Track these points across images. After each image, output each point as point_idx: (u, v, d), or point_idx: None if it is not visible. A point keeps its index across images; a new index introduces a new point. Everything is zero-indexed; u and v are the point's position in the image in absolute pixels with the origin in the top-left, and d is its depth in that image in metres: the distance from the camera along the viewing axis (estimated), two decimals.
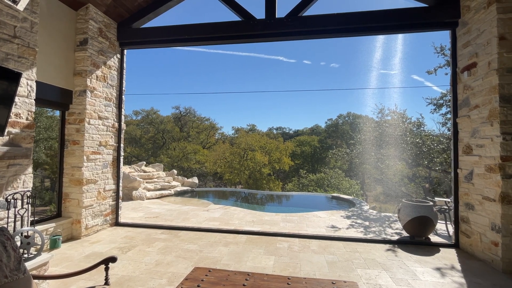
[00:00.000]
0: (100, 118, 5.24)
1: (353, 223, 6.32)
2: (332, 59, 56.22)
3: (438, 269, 3.73)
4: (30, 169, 3.32)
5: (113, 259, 2.36)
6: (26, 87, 3.27)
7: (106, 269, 2.36)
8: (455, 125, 4.77)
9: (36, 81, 3.44)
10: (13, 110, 3.11)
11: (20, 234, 2.96)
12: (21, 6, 3.10)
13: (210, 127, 32.68)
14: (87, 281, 3.18)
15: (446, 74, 8.76)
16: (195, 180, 12.87)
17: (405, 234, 5.28)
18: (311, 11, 5.17)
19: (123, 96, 5.87)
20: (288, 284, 2.07)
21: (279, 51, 57.61)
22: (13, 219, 3.04)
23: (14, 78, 2.90)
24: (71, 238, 4.76)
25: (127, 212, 7.11)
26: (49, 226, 4.34)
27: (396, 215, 5.91)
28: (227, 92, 54.04)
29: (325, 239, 4.92)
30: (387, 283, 3.30)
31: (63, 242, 4.53)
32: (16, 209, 3.07)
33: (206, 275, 2.18)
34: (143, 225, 5.62)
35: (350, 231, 5.59)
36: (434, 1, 4.73)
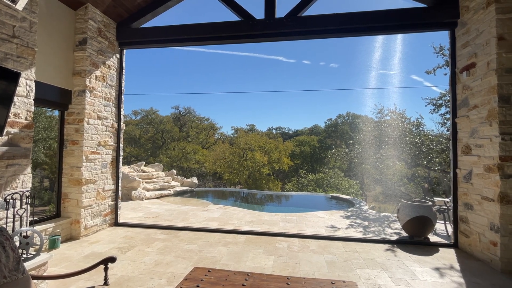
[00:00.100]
0: (99, 118, 5.24)
1: (353, 223, 6.33)
2: (331, 59, 56.33)
3: (437, 269, 3.74)
4: (29, 169, 3.32)
5: (112, 259, 2.36)
6: (25, 87, 3.27)
7: (105, 269, 2.36)
8: (454, 125, 4.78)
9: (35, 81, 3.43)
10: (12, 110, 3.10)
11: (19, 234, 2.95)
12: (20, 5, 3.09)
13: (210, 127, 32.67)
14: (86, 281, 3.17)
15: (445, 74, 8.77)
16: (195, 180, 12.87)
17: (404, 234, 5.29)
18: (310, 11, 5.18)
19: (122, 96, 5.86)
20: (287, 284, 2.07)
21: (278, 51, 57.68)
22: (12, 219, 3.03)
23: (13, 78, 2.90)
24: (70, 238, 4.75)
25: (127, 212, 7.10)
26: (48, 226, 4.33)
27: (395, 215, 5.92)
28: (227, 92, 54.07)
29: (325, 239, 4.92)
30: (386, 283, 3.30)
31: (62, 242, 4.52)
32: (15, 209, 3.06)
33: (205, 275, 2.18)
34: (143, 225, 5.61)
35: (349, 231, 5.60)
36: (433, 1, 4.74)
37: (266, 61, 56.30)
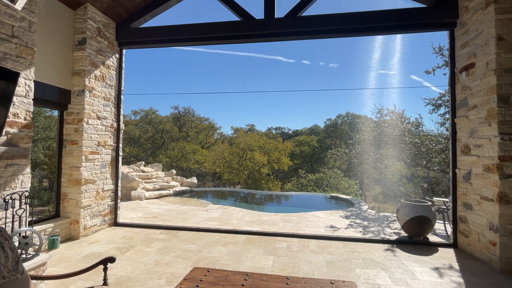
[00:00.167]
0: (98, 118, 5.23)
1: (352, 223, 6.33)
2: (331, 59, 56.36)
3: (437, 268, 3.75)
4: (28, 169, 3.31)
5: (111, 259, 2.35)
6: (24, 87, 3.26)
7: (105, 269, 2.36)
8: (453, 125, 4.78)
9: (34, 81, 3.42)
10: (11, 110, 3.10)
11: (18, 235, 2.95)
12: (19, 5, 3.08)
13: (209, 127, 32.65)
14: (85, 282, 3.17)
15: (445, 74, 8.78)
16: (194, 180, 12.86)
17: (403, 234, 5.29)
18: (310, 11, 5.18)
19: (121, 96, 5.86)
20: (287, 284, 2.07)
21: (278, 51, 57.68)
22: (11, 220, 3.03)
23: (12, 77, 2.89)
24: (69, 238, 4.75)
25: (126, 212, 7.09)
26: (48, 226, 4.33)
27: (395, 215, 5.93)
28: (226, 92, 54.05)
29: (324, 239, 4.93)
30: (385, 283, 3.30)
31: (61, 242, 4.51)
32: (14, 209, 3.05)
33: (205, 275, 2.18)
34: (142, 225, 5.61)
35: (349, 231, 5.60)
36: (432, 1, 4.74)
37: (265, 61, 56.34)
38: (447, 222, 5.56)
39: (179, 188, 11.47)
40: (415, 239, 4.82)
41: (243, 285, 2.04)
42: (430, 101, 9.69)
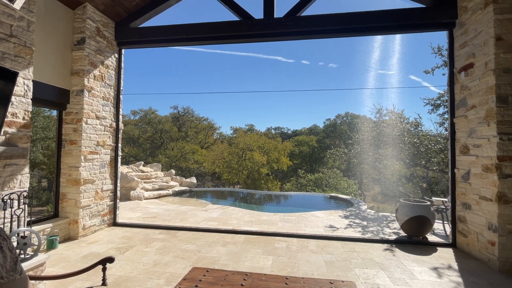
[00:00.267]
0: (97, 117, 5.22)
1: (351, 223, 6.34)
2: (330, 59, 56.44)
3: (436, 268, 3.75)
4: (26, 169, 3.30)
5: (110, 260, 2.35)
6: (23, 87, 3.25)
7: (104, 269, 2.35)
8: (452, 125, 4.79)
9: (33, 81, 3.41)
10: (10, 109, 3.09)
11: (16, 235, 2.94)
12: (17, 5, 3.07)
13: (209, 127, 32.64)
14: (84, 282, 3.16)
15: (444, 74, 8.81)
16: (193, 180, 12.85)
17: (402, 233, 5.30)
18: (309, 11, 5.18)
19: (121, 96, 5.85)
20: (286, 284, 2.07)
21: (277, 51, 57.73)
22: (9, 220, 3.02)
23: (10, 77, 2.88)
24: (68, 238, 4.73)
25: (125, 212, 7.08)
26: (46, 227, 4.31)
27: (394, 214, 5.94)
28: (226, 92, 54.05)
29: (323, 239, 4.93)
30: (384, 283, 3.31)
31: (60, 242, 4.50)
32: (13, 210, 3.04)
33: (204, 275, 2.17)
34: (141, 225, 5.60)
35: (348, 231, 5.61)
36: (431, 1, 4.75)
37: (265, 61, 56.39)
38: (446, 222, 5.57)
39: (178, 188, 11.46)
40: (414, 239, 4.82)
41: (242, 285, 2.04)
42: (429, 101, 9.72)
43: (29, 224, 3.33)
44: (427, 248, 4.55)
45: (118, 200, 5.74)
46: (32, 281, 2.74)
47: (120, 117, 5.83)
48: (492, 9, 3.86)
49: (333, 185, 20.01)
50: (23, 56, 3.24)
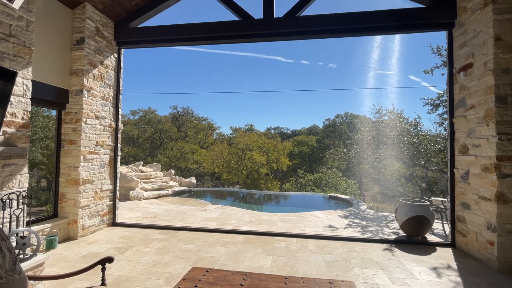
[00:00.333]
0: (97, 117, 5.21)
1: (351, 223, 6.34)
2: (330, 59, 56.47)
3: (435, 268, 3.76)
4: (25, 169, 3.30)
5: (110, 260, 2.35)
6: (22, 86, 3.25)
7: (103, 269, 2.35)
8: (451, 125, 4.80)
9: (32, 80, 3.41)
10: (9, 109, 3.08)
11: (15, 235, 2.93)
12: (16, 4, 3.07)
13: (208, 127, 32.63)
14: (83, 282, 3.16)
15: (443, 74, 8.82)
16: (193, 180, 12.84)
17: (402, 233, 5.31)
18: (308, 11, 5.18)
19: (120, 96, 5.84)
20: (285, 284, 2.07)
21: (277, 51, 57.77)
22: (8, 220, 3.01)
23: (9, 77, 2.87)
24: (67, 238, 4.73)
25: (124, 212, 7.07)
26: (46, 227, 4.31)
27: (393, 214, 5.94)
28: (225, 92, 54.05)
29: (323, 239, 4.93)
30: (384, 283, 3.31)
31: (59, 242, 4.49)
32: (12, 210, 3.04)
33: (203, 275, 2.17)
34: (141, 225, 5.60)
35: (347, 231, 5.61)
36: (431, 2, 4.75)
37: (264, 61, 56.41)
38: (445, 222, 5.57)
39: (177, 188, 11.45)
40: (413, 239, 4.83)
41: (241, 285, 2.04)
42: (429, 101, 9.73)
43: (28, 224, 3.32)
44: (427, 248, 4.56)
45: (117, 200, 5.73)
46: (31, 281, 2.74)
47: (120, 117, 5.83)
48: (491, 9, 3.86)
49: (333, 185, 20.02)
50: (22, 56, 3.24)
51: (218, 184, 27.83)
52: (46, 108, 6.55)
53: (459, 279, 3.43)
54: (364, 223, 6.36)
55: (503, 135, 3.75)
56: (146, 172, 11.03)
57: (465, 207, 4.42)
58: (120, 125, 5.86)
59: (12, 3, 3.02)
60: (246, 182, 23.42)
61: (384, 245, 4.65)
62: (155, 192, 10.11)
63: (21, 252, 2.89)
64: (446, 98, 7.54)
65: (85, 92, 4.93)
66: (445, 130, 9.16)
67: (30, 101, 3.37)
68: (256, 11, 5.25)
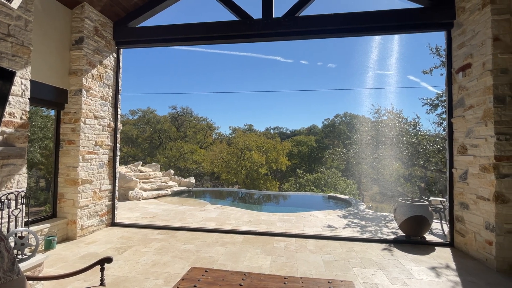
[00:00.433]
0: (96, 117, 5.20)
1: (350, 223, 6.35)
2: (329, 59, 56.48)
3: (433, 268, 3.77)
4: (24, 169, 3.29)
5: (108, 260, 2.34)
6: (20, 86, 3.24)
7: (102, 269, 2.34)
8: (450, 125, 4.81)
9: (30, 80, 3.40)
10: (7, 109, 3.08)
11: (14, 235, 2.93)
12: (15, 4, 3.06)
13: (207, 127, 32.61)
14: (82, 282, 3.15)
15: (442, 74, 8.85)
16: (192, 180, 12.83)
17: (401, 233, 5.32)
18: (308, 11, 5.19)
19: (119, 96, 5.83)
20: (284, 283, 2.07)
21: (276, 51, 57.78)
22: (7, 220, 3.00)
23: (7, 77, 2.86)
24: (66, 238, 4.72)
25: (123, 212, 7.06)
26: (44, 227, 4.30)
27: (392, 214, 5.95)
28: (224, 92, 54.02)
29: (322, 239, 4.94)
30: (383, 282, 3.32)
31: (58, 242, 4.48)
32: (10, 210, 3.03)
33: (202, 275, 2.17)
34: (140, 225, 5.59)
35: (346, 231, 5.62)
36: (429, 2, 4.76)
37: (264, 61, 56.40)
38: (444, 222, 5.59)
39: (177, 188, 11.44)
40: (412, 239, 4.84)
41: (240, 285, 2.04)
42: (427, 101, 9.76)
43: (27, 224, 3.32)
44: (425, 247, 4.56)
45: (116, 200, 5.73)
46: (30, 282, 2.73)
47: (119, 117, 5.82)
48: (489, 10, 3.87)
49: (332, 185, 20.04)
50: (20, 55, 3.23)
51: (217, 184, 27.82)
52: (45, 108, 6.54)
53: (457, 279, 3.44)
54: (363, 223, 6.36)
55: (501, 135, 3.77)
56: (145, 172, 11.02)
57: (463, 207, 4.43)
58: (119, 125, 5.85)
59: (10, 3, 3.01)
60: (245, 182, 23.42)
61: (383, 245, 4.66)
62: (154, 192, 10.10)
63: (19, 252, 2.88)
64: (445, 98, 7.56)
65: (84, 92, 4.92)
66: (444, 130, 9.19)
67: (28, 101, 3.36)
68: (255, 11, 5.26)
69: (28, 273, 2.87)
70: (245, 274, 2.22)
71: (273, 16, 5.18)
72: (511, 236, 3.67)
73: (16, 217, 3.09)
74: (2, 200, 2.95)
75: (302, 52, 58.28)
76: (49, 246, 4.21)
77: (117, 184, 5.77)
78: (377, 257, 4.10)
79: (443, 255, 4.26)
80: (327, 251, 4.31)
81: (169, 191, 10.76)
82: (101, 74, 5.36)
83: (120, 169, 10.08)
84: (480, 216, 4.03)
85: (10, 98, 3.10)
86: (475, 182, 4.16)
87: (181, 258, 3.96)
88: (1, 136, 3.04)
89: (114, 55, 5.76)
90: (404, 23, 4.86)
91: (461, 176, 4.50)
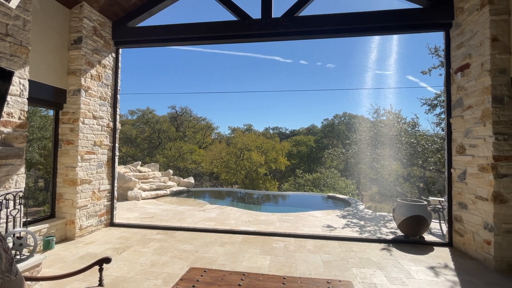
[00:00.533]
0: (94, 117, 5.19)
1: (349, 223, 6.36)
2: (328, 59, 56.49)
3: (432, 267, 3.77)
4: (22, 169, 3.28)
5: (107, 260, 2.34)
6: (19, 86, 3.23)
7: (100, 270, 2.34)
8: (448, 125, 4.82)
9: (29, 80, 3.39)
10: (5, 109, 3.07)
11: (12, 235, 2.92)
12: (13, 4, 3.05)
13: (207, 127, 32.59)
14: (81, 283, 3.15)
15: (440, 75, 8.87)
16: (191, 180, 12.82)
17: (400, 233, 5.32)
18: (307, 11, 5.19)
19: (118, 96, 5.82)
20: (283, 283, 2.07)
21: (275, 51, 57.76)
22: (5, 220, 2.99)
23: (6, 76, 2.85)
24: (65, 239, 4.71)
25: (122, 213, 7.05)
26: (43, 227, 4.28)
27: (391, 214, 5.96)
28: (224, 92, 53.99)
29: (321, 239, 4.94)
30: (382, 282, 3.32)
31: (57, 243, 4.47)
32: (8, 210, 3.02)
33: (201, 276, 2.17)
34: (139, 226, 5.58)
35: (345, 231, 5.62)
36: (428, 2, 4.77)
37: (263, 61, 56.36)
38: (443, 222, 5.60)
39: (176, 188, 11.43)
40: (411, 239, 4.85)
41: (239, 285, 2.04)
42: (426, 101, 9.78)
43: (25, 224, 3.31)
44: (424, 247, 4.57)
45: (115, 200, 5.72)
46: (28, 282, 2.72)
47: (118, 117, 5.81)
48: (488, 10, 3.88)
49: (331, 185, 20.07)
50: (19, 55, 3.22)
51: (217, 184, 27.81)
52: (44, 108, 6.52)
53: (456, 279, 3.45)
54: (362, 223, 6.37)
55: (499, 135, 3.78)
56: (144, 172, 11.00)
57: (462, 206, 4.44)
58: (118, 125, 5.84)
59: (9, 2, 3.00)
60: (244, 182, 23.41)
61: (382, 245, 4.67)
62: (153, 192, 10.09)
63: (17, 253, 2.87)
64: (443, 98, 7.58)
65: (83, 92, 4.91)
66: (443, 130, 9.21)
67: (27, 100, 3.35)
68: (255, 11, 5.26)
69: (27, 274, 2.86)
70: (244, 274, 2.22)
71: (272, 16, 5.18)
72: (510, 236, 3.69)
73: (14, 218, 3.08)
74: (0, 201, 2.94)
75: (301, 52, 58.32)
76: (47, 246, 4.20)
77: (116, 184, 5.76)
78: (376, 257, 4.11)
79: (442, 255, 4.27)
80: (326, 251, 4.32)
81: (168, 191, 10.75)
82: (100, 74, 5.35)
83: (119, 169, 10.06)
84: (478, 216, 4.04)
85: (8, 98, 3.09)
86: (473, 182, 4.17)
87: (180, 258, 3.96)
88: (0, 136, 3.03)
89: (113, 55, 5.74)
90: (403, 23, 4.87)
91: (459, 176, 4.51)
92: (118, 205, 7.50)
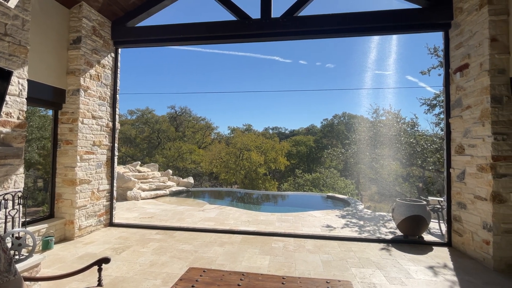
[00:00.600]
0: (93, 117, 5.19)
1: (348, 223, 6.37)
2: (327, 59, 56.48)
3: (431, 267, 3.78)
4: (21, 169, 3.27)
5: (106, 260, 2.34)
6: (17, 86, 3.22)
7: (99, 270, 2.34)
8: (447, 125, 4.83)
9: (27, 80, 3.39)
10: (4, 109, 3.06)
11: (11, 235, 2.91)
12: (12, 3, 3.04)
13: (206, 127, 32.58)
14: (80, 283, 3.14)
15: (439, 75, 8.88)
16: (191, 180, 12.82)
17: (399, 233, 5.33)
18: (306, 11, 5.19)
19: (117, 96, 5.81)
20: (282, 283, 2.07)
21: (275, 51, 57.72)
22: (4, 220, 2.99)
23: (4, 76, 2.85)
24: (64, 239, 4.70)
25: (122, 213, 7.04)
26: (42, 227, 4.28)
27: (390, 214, 5.97)
28: (223, 91, 53.98)
29: (320, 239, 4.94)
30: (381, 282, 3.33)
31: (56, 243, 4.46)
32: (7, 210, 3.01)
33: (200, 276, 2.17)
34: (138, 226, 5.58)
35: (345, 231, 5.63)
36: (427, 2, 4.78)
37: (262, 61, 56.31)
38: (442, 221, 5.61)
39: (175, 188, 11.42)
40: (410, 238, 4.86)
41: (239, 285, 2.04)
42: (425, 101, 9.80)
43: (24, 224, 3.30)
44: (423, 247, 4.58)
45: (114, 201, 5.71)
46: (27, 282, 2.72)
47: (117, 116, 5.80)
48: (487, 10, 3.89)
49: (330, 185, 20.08)
50: (17, 55, 3.21)
51: (216, 184, 27.80)
52: (42, 107, 6.51)
53: (455, 278, 3.46)
54: (362, 222, 6.38)
55: (498, 135, 3.78)
56: (144, 172, 10.99)
57: (461, 206, 4.45)
58: (117, 125, 5.83)
59: (7, 2, 2.99)
60: (244, 182, 23.41)
61: (381, 245, 4.67)
62: (153, 192, 10.08)
63: (16, 253, 2.87)
64: (442, 98, 7.59)
65: (82, 91, 4.90)
66: (442, 130, 9.23)
67: (25, 100, 3.34)
68: (254, 11, 5.26)
69: (26, 274, 2.86)
70: (243, 274, 2.22)
71: (272, 16, 5.18)
72: (508, 235, 3.70)
73: (13, 218, 3.08)
74: None
75: (300, 52, 58.28)
76: (46, 246, 4.19)
77: (115, 184, 5.75)
78: (375, 257, 4.11)
79: (441, 254, 4.28)
80: (325, 251, 4.32)
81: (167, 191, 10.74)
82: (99, 74, 5.34)
83: (119, 169, 10.05)
84: (477, 216, 4.05)
85: (7, 97, 3.08)
86: (472, 182, 4.18)
87: (179, 258, 3.95)
88: None
89: (112, 54, 5.74)
90: (403, 23, 4.88)
91: (458, 176, 4.52)
92: (117, 205, 7.49)
